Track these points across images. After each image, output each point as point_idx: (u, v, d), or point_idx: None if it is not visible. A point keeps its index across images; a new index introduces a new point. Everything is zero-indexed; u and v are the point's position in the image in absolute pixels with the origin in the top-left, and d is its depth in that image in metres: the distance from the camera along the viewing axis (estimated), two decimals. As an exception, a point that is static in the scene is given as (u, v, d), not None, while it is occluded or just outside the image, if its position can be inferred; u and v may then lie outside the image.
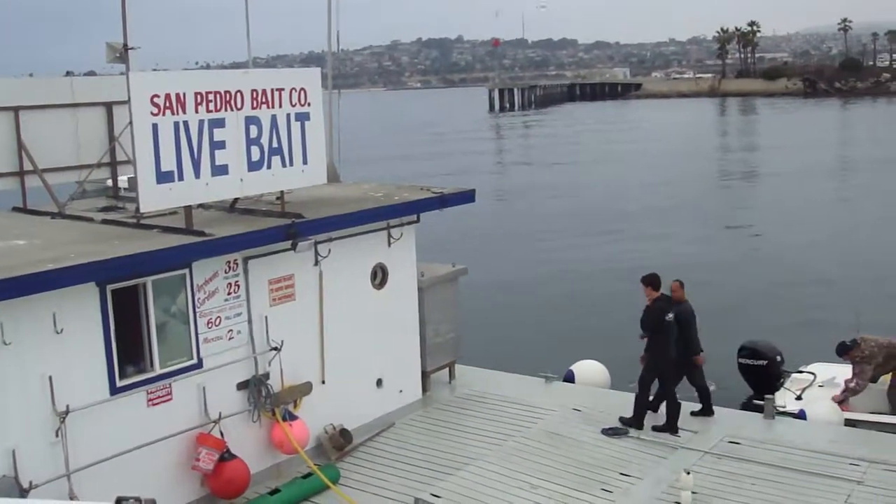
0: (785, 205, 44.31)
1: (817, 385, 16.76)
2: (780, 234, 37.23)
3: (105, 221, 12.46)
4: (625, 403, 14.48)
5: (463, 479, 12.33)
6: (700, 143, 74.30)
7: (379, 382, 14.27)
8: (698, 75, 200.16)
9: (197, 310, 11.54)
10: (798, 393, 16.40)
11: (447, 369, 15.88)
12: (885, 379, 16.12)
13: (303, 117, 12.55)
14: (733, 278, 30.02)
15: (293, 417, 12.53)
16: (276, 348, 12.39)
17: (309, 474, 12.10)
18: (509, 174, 62.23)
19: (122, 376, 10.81)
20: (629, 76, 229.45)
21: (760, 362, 17.43)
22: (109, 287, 10.57)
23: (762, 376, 17.37)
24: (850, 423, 15.04)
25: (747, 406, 16.76)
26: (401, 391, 14.66)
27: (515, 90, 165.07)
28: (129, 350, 10.92)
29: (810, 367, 17.50)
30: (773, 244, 35.89)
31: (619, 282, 28.57)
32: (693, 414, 14.42)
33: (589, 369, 16.99)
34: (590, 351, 18.02)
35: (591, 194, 48.16)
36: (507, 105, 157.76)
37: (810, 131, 79.76)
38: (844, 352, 16.09)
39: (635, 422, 13.80)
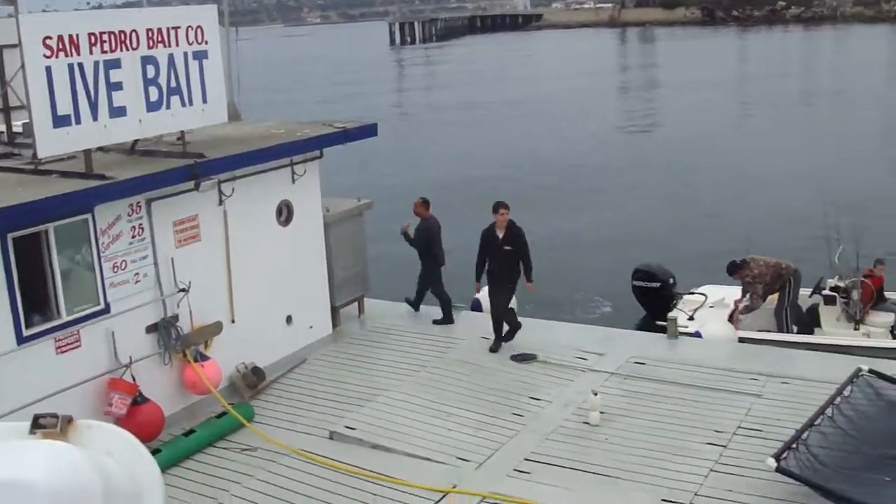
0: (686, 136, 44.95)
1: (708, 306, 17.26)
2: (675, 164, 37.75)
3: (1, 169, 12.23)
4: (533, 329, 14.77)
5: (376, 409, 12.53)
6: (603, 78, 74.69)
7: (289, 319, 14.32)
8: (598, 5, 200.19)
9: (101, 255, 11.41)
10: (690, 314, 16.85)
11: (356, 303, 15.98)
12: (772, 298, 16.65)
13: (200, 55, 12.41)
14: (630, 205, 30.44)
15: (204, 358, 12.52)
16: (183, 290, 12.34)
17: (223, 413, 12.14)
18: (412, 108, 62.08)
19: (28, 325, 10.67)
20: (529, 7, 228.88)
21: (653, 284, 17.90)
22: (10, 236, 10.39)
23: (655, 298, 17.84)
24: (742, 341, 15.61)
25: (642, 327, 17.21)
26: (311, 327, 14.74)
27: (416, 24, 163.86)
28: (34, 299, 10.78)
29: (701, 289, 17.99)
30: (668, 172, 36.38)
31: (518, 211, 28.94)
32: (435, 322, 15.56)
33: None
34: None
35: (492, 127, 48.24)
36: (409, 39, 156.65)
37: (708, 62, 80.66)
38: (734, 271, 16.55)
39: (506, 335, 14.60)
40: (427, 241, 15.56)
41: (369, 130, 15.31)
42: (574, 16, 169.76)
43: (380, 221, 20.65)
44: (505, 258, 14.07)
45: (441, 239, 15.78)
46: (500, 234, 14.02)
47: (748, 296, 16.38)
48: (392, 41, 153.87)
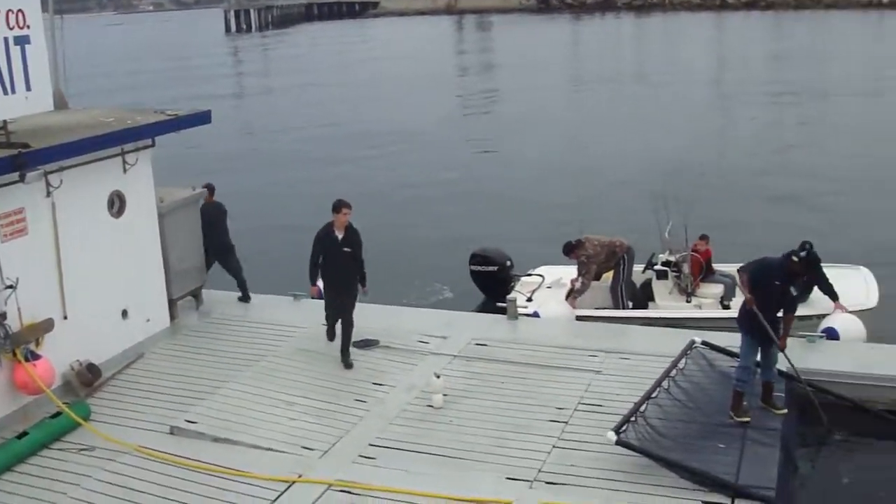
0: (518, 116, 45.50)
1: (545, 286, 17.54)
2: (509, 149, 38.15)
3: None
4: (374, 315, 14.75)
5: (217, 402, 12.32)
6: (439, 62, 74.99)
7: (124, 313, 13.91)
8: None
9: (-78, 251, 10.88)
10: (528, 295, 17.08)
11: (194, 295, 15.65)
12: (607, 276, 17.05)
13: (22, 41, 11.93)
14: (469, 189, 30.63)
15: (36, 357, 12.02)
16: (11, 286, 11.83)
17: (58, 413, 11.72)
18: (248, 95, 61.22)
19: None
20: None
21: (491, 268, 18.05)
22: None
23: (493, 281, 18.01)
24: (579, 319, 15.94)
25: (483, 311, 17.37)
26: (148, 320, 14.36)
27: (252, 11, 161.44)
28: None
29: (538, 270, 18.27)
30: (503, 157, 36.73)
31: (369, 200, 28.86)
32: (240, 299, 16.07)
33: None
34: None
35: (330, 115, 47.84)
36: (245, 27, 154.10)
37: (542, 48, 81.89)
38: (570, 251, 16.84)
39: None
40: (204, 226, 15.53)
41: (202, 118, 14.98)
42: (411, 3, 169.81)
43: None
44: (346, 260, 13.32)
45: (222, 223, 15.87)
46: (340, 235, 13.28)
47: (582, 275, 16.70)
48: (228, 29, 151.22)
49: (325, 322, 14.09)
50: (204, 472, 10.73)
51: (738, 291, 16.94)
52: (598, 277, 16.90)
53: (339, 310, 13.62)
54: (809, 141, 36.56)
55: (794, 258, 11.37)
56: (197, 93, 53.68)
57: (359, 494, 10.24)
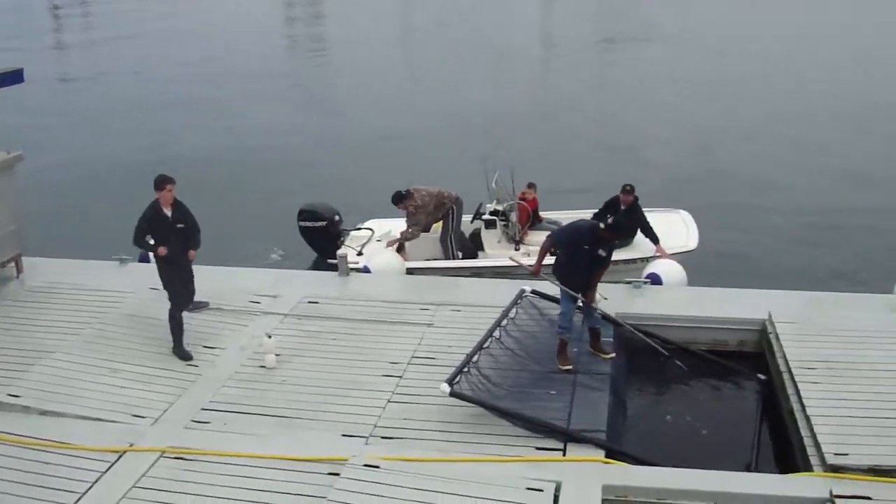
0: (347, 73, 45.09)
1: (375, 240, 17.59)
2: (334, 101, 37.83)
3: None
4: (204, 276, 14.47)
5: (41, 374, 11.92)
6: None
7: (-63, 285, 13.31)
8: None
9: None
10: (358, 249, 17.08)
11: (13, 263, 15.03)
12: (437, 227, 17.20)
13: None
14: (294, 144, 30.30)
15: None
16: None
17: None
18: (63, 54, 58.79)
19: None
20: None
21: (319, 223, 17.92)
22: None
23: (323, 237, 17.91)
24: (410, 271, 16.06)
25: (315, 268, 17.31)
26: (-37, 292, 13.78)
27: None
28: None
29: (367, 224, 18.30)
30: (328, 107, 36.43)
31: (195, 160, 28.24)
32: None
33: (163, 246, 16.77)
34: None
35: (149, 74, 46.19)
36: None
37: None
38: (398, 201, 16.90)
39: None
40: None
41: (14, 77, 14.31)
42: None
43: (34, 175, 19.59)
44: (178, 237, 12.43)
45: None
46: (169, 213, 12.35)
47: (411, 226, 16.79)
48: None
49: (174, 307, 12.61)
50: (30, 447, 10.39)
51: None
52: (427, 229, 17.02)
53: (188, 288, 12.87)
54: (636, 89, 37.42)
55: (602, 225, 11.63)
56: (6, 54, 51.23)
57: (193, 460, 10.10)
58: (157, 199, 12.35)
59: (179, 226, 12.44)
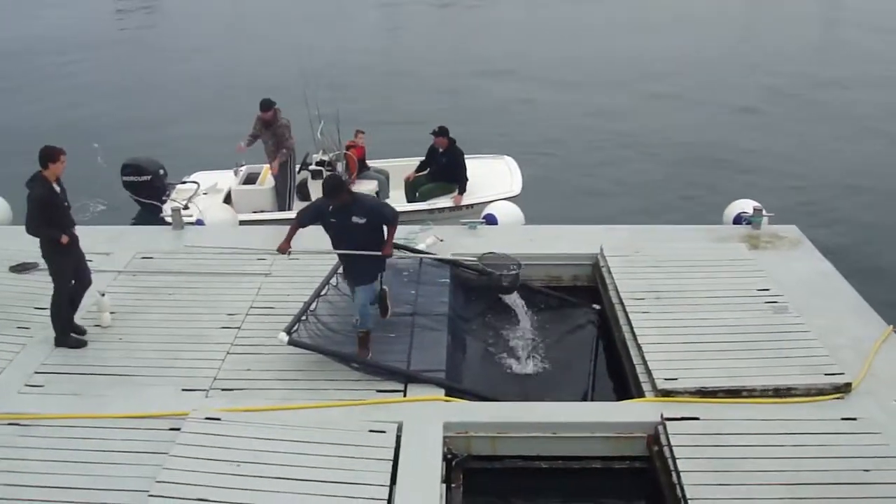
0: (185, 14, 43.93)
1: (202, 193, 17.36)
2: (162, 46, 36.87)
3: None
4: (30, 237, 14.02)
5: None
6: None
7: None
8: None
9: None
10: (185, 202, 16.83)
11: None
12: (263, 179, 17.25)
13: None
14: (112, 96, 29.49)
15: None
16: None
17: None
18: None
19: None
20: None
21: (144, 178, 17.60)
22: None
23: (148, 191, 17.61)
24: (242, 223, 15.99)
25: (143, 222, 17.03)
26: None
27: None
28: None
29: (192, 177, 18.05)
30: (163, 55, 35.53)
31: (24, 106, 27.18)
32: None
33: (-12, 208, 16.22)
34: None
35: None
36: None
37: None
38: (269, 108, 16.99)
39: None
40: None
41: None
42: None
43: None
44: (68, 216, 11.28)
45: None
46: (58, 189, 11.07)
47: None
48: None
49: (60, 295, 11.38)
50: None
51: (391, 185, 17.58)
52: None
53: (83, 272, 11.62)
54: (467, 33, 37.61)
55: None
56: None
57: (28, 425, 9.82)
58: (42, 175, 10.90)
59: (66, 203, 11.26)
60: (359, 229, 10.58)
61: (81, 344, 11.45)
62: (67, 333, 11.48)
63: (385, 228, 10.81)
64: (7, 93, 30.30)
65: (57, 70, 33.71)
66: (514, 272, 12.34)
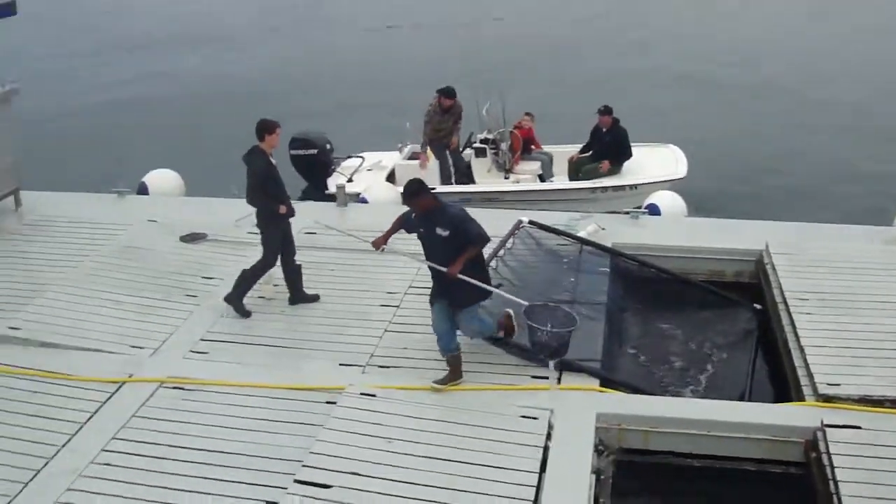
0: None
1: (366, 169, 17.62)
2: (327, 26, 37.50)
3: None
4: (201, 208, 14.54)
5: (41, 306, 12.00)
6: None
7: (-63, 219, 13.32)
8: None
9: None
10: (349, 176, 17.10)
11: (12, 197, 15.03)
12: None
13: None
14: (282, 74, 30.13)
15: None
16: None
17: None
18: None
19: None
20: None
21: (311, 151, 17.90)
22: None
23: (313, 165, 17.91)
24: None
25: (308, 196, 17.33)
26: (-39, 226, 13.78)
27: None
28: None
29: (359, 154, 18.34)
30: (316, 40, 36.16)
31: (179, 92, 28.06)
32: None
33: (162, 179, 16.79)
34: (161, 160, 17.69)
35: (143, 12, 45.58)
36: None
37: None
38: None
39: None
40: None
41: (4, 10, 14.18)
42: None
43: (30, 108, 19.53)
44: (282, 187, 11.74)
45: None
46: (274, 161, 11.66)
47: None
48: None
49: (264, 265, 11.84)
50: (31, 378, 10.49)
51: (554, 168, 17.55)
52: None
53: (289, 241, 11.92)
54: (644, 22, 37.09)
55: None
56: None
57: (191, 390, 10.19)
58: (259, 148, 11.40)
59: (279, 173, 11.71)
60: (444, 243, 9.64)
61: (246, 314, 11.77)
62: (242, 299, 11.83)
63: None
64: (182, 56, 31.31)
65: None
66: (560, 331, 9.76)
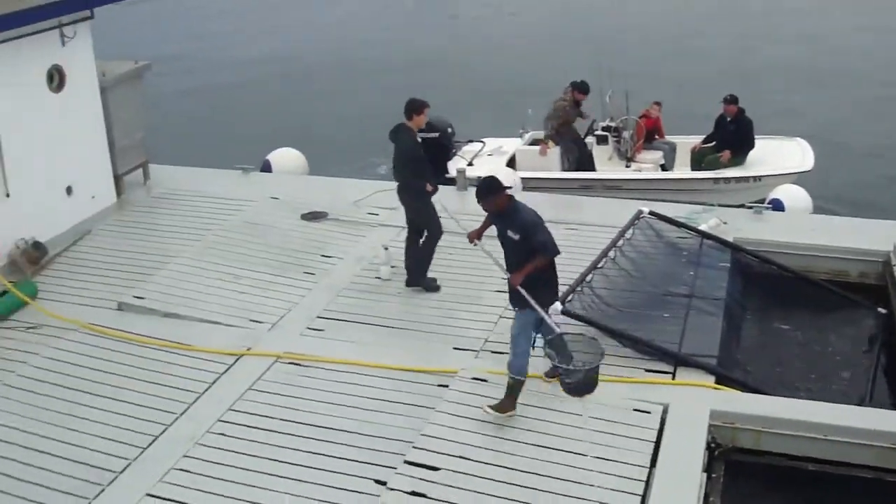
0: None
1: (486, 154, 17.64)
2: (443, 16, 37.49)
3: None
4: (322, 187, 14.72)
5: (165, 277, 12.33)
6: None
7: (69, 190, 13.74)
8: None
9: None
10: (469, 160, 17.14)
11: (141, 170, 15.45)
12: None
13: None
14: (404, 61, 30.24)
15: (-22, 236, 11.94)
16: (-51, 164, 11.61)
17: (4, 293, 11.71)
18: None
19: None
20: None
21: (433, 134, 17.99)
22: None
23: (436, 148, 18.00)
24: (524, 180, 16.15)
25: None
26: (93, 197, 14.20)
27: None
28: None
29: (480, 139, 18.38)
30: (443, 25, 36.20)
31: (309, 69, 28.43)
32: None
33: (286, 157, 17.07)
34: (285, 139, 17.99)
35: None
36: None
37: None
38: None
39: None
40: None
41: None
42: None
43: (159, 84, 20.01)
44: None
45: None
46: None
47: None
48: None
49: (434, 240, 12.02)
50: (152, 347, 10.81)
51: (677, 158, 17.33)
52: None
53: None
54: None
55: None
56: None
57: (306, 366, 10.36)
58: (407, 126, 11.69)
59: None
60: (514, 246, 9.10)
61: (436, 287, 11.96)
62: (425, 274, 12.01)
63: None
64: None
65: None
66: (583, 368, 8.47)
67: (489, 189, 9.06)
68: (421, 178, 11.73)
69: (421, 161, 11.77)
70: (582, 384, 8.43)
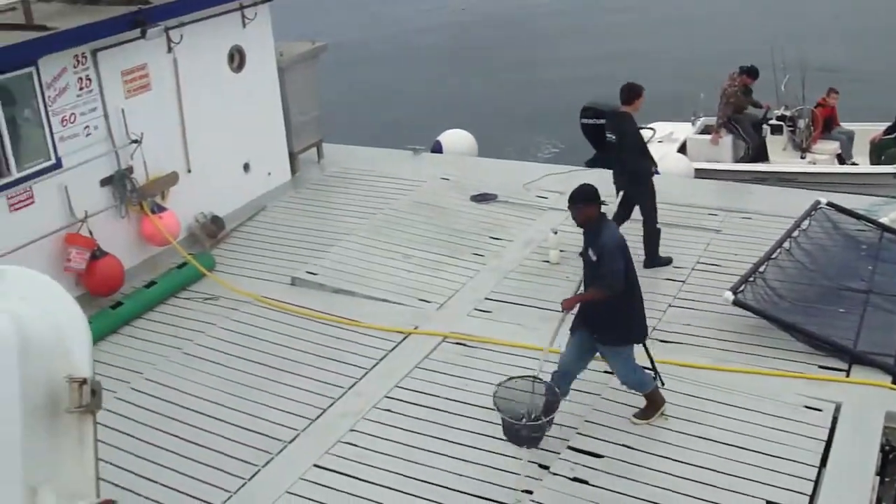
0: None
1: (656, 140, 17.31)
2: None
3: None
4: (492, 169, 14.75)
5: (337, 254, 12.59)
6: None
7: (246, 167, 14.17)
8: None
9: (49, 108, 11.09)
10: None
11: (315, 148, 15.81)
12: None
13: None
14: (577, 45, 29.96)
15: (162, 209, 12.39)
16: (136, 141, 12.10)
17: (184, 264, 12.16)
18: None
19: (-23, 186, 10.46)
20: None
21: (601, 121, 17.73)
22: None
23: (603, 134, 17.75)
24: (698, 171, 15.82)
25: (594, 163, 17.18)
26: (269, 174, 14.60)
27: None
28: (-19, 158, 10.55)
29: (650, 125, 18.02)
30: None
31: (485, 49, 28.47)
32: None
33: (456, 138, 17.15)
34: (456, 120, 18.09)
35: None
36: None
37: None
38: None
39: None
40: None
41: None
42: None
43: (335, 64, 20.36)
44: None
45: None
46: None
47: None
48: None
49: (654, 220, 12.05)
50: (323, 321, 11.06)
51: (854, 148, 16.67)
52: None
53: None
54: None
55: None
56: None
57: (473, 347, 10.41)
58: (627, 111, 11.82)
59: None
60: (590, 266, 8.61)
61: (669, 260, 11.96)
62: (658, 254, 11.98)
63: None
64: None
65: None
66: (540, 422, 8.04)
67: (583, 197, 8.53)
68: (646, 161, 11.86)
69: (643, 147, 11.95)
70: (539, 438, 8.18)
